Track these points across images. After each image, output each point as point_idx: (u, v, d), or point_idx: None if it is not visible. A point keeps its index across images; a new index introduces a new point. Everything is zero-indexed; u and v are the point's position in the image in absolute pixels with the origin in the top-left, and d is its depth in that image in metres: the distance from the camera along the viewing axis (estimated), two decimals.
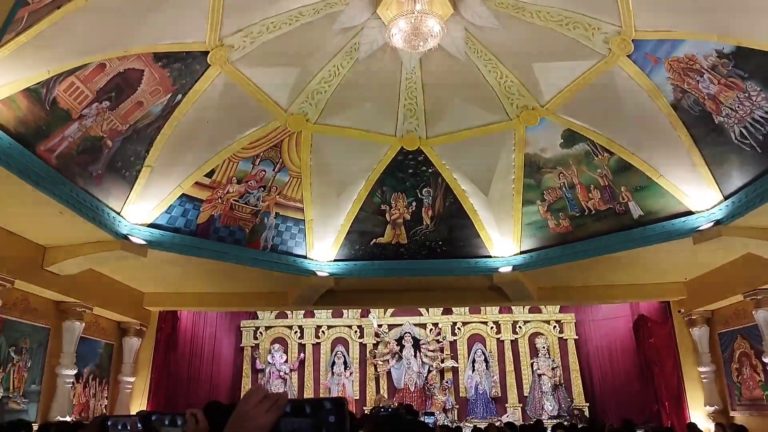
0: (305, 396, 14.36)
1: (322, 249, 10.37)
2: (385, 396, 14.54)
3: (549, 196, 9.51)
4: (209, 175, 9.07)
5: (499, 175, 9.58)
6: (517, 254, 10.10)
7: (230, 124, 8.70)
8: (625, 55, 7.26)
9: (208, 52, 7.51)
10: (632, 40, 7.01)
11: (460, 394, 14.72)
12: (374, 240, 10.42)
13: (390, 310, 15.34)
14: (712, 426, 10.11)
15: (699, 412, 10.94)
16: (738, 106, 6.69)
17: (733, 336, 10.35)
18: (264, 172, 9.55)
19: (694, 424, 9.56)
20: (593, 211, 9.23)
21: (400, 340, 15.15)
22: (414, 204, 10.23)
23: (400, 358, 15.02)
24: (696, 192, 8.09)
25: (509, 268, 10.12)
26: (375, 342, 15.30)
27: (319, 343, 15.38)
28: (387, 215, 10.29)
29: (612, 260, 9.45)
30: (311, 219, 10.12)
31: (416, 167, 9.80)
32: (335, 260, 10.47)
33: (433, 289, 11.29)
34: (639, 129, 8.08)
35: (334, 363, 15.08)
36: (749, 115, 6.64)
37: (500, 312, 15.24)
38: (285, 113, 8.95)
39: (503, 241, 10.14)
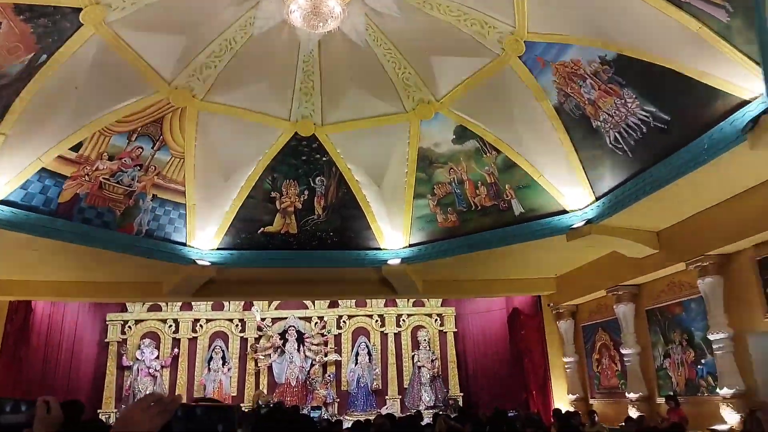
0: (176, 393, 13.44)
1: (204, 236, 9.73)
2: (265, 392, 14.06)
3: (439, 190, 9.71)
4: (75, 148, 8.11)
5: (393, 167, 9.61)
6: (406, 247, 10.20)
7: (103, 92, 7.83)
8: (517, 56, 7.57)
9: (80, 9, 6.68)
10: (524, 42, 7.33)
11: (342, 388, 14.67)
12: (262, 229, 9.98)
13: (275, 303, 14.88)
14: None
15: (563, 399, 11.79)
16: (614, 112, 7.23)
17: (595, 329, 11.28)
18: (141, 150, 8.74)
19: (558, 409, 10.26)
20: (479, 207, 9.57)
21: (283, 334, 14.77)
22: (306, 192, 9.94)
23: (283, 352, 14.64)
24: (571, 192, 8.66)
25: (398, 261, 10.19)
26: (257, 336, 14.76)
27: (196, 338, 14.51)
28: (277, 203, 9.90)
29: (493, 255, 9.85)
30: (193, 204, 9.44)
31: (310, 154, 9.52)
32: (218, 249, 9.88)
33: (321, 281, 11.07)
34: (525, 129, 8.48)
35: (211, 358, 14.31)
36: (624, 121, 7.20)
37: (386, 305, 15.41)
38: (168, 86, 8.24)
39: (393, 234, 10.19)
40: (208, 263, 9.73)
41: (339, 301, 15.13)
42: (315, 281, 11.01)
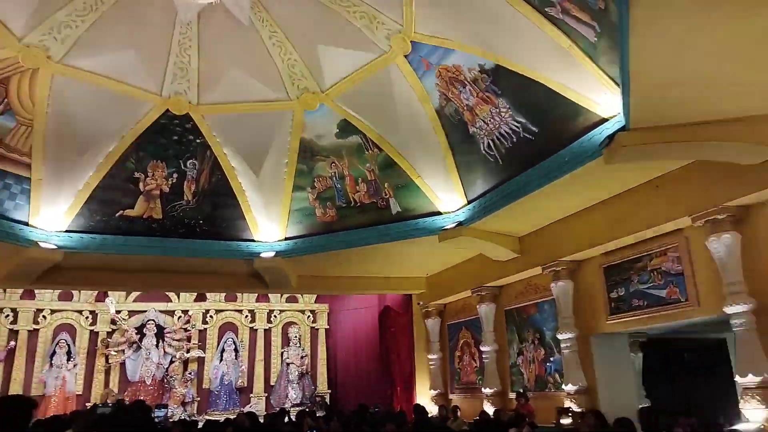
0: (10, 392, 11.87)
1: (51, 216, 8.67)
2: (115, 390, 12.93)
3: (319, 184, 9.55)
4: None
5: (273, 156, 9.28)
6: (281, 240, 9.90)
7: None
8: (403, 55, 7.64)
9: None
10: (411, 41, 7.42)
11: (204, 386, 13.94)
12: (121, 211, 9.12)
13: (134, 294, 13.74)
14: (435, 408, 11.28)
15: (425, 395, 12.17)
16: (489, 120, 7.56)
17: (460, 327, 11.79)
18: None
19: (420, 405, 10.53)
20: (358, 204, 9.56)
21: (141, 328, 13.70)
22: (175, 176, 9.26)
23: (139, 347, 13.58)
24: (446, 194, 8.95)
25: (272, 254, 9.86)
26: (110, 330, 13.54)
27: (37, 330, 12.96)
28: (141, 185, 9.10)
29: (369, 252, 9.89)
30: (40, 179, 8.38)
31: (183, 135, 8.88)
32: (67, 231, 8.85)
33: (187, 273, 10.39)
34: (406, 129, 8.61)
35: (54, 353, 12.86)
36: (497, 129, 7.56)
37: (257, 300, 14.93)
38: (19, 42, 7.24)
39: (269, 226, 9.84)
40: (54, 246, 8.68)
41: (207, 294, 14.37)
42: (180, 272, 10.31)
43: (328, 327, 15.48)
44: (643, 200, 7.17)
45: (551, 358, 9.07)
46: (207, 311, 14.50)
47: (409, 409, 11.44)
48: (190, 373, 13.76)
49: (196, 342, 14.16)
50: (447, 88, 7.79)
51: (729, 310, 6.02)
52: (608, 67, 5.81)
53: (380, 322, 14.06)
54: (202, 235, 9.60)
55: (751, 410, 5.67)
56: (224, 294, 14.52)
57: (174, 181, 9.23)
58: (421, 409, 9.04)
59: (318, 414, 9.75)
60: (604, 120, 6.30)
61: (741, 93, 4.96)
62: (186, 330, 14.09)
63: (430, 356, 12.21)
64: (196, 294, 14.28)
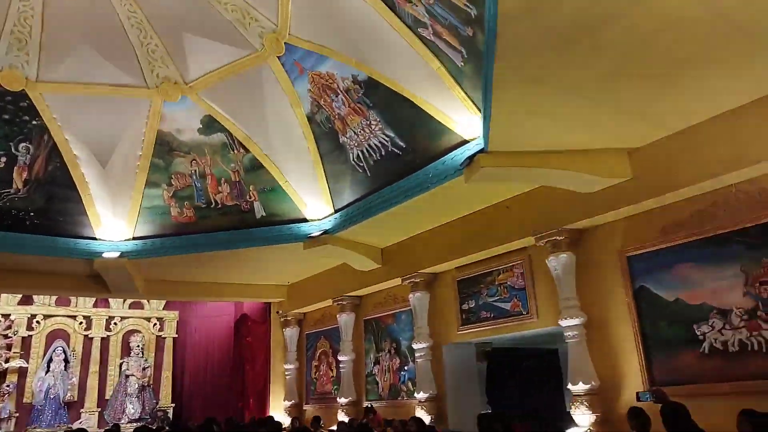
0: None
1: None
2: None
3: (177, 181, 8.92)
4: None
5: (124, 147, 8.47)
6: (128, 239, 9.06)
7: None
8: (276, 56, 7.44)
9: None
10: (285, 43, 7.24)
11: (25, 400, 12.26)
12: None
13: None
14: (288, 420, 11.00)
15: (279, 407, 11.85)
16: (360, 131, 7.62)
17: (318, 336, 11.69)
18: None
19: (271, 417, 10.22)
20: (220, 205, 9.08)
21: None
22: (3, 160, 8.06)
23: None
24: (313, 202, 8.85)
25: (116, 254, 8.96)
26: None
27: None
28: None
29: (229, 257, 9.44)
30: None
31: (16, 114, 7.77)
32: None
33: (11, 271, 9.07)
34: (276, 132, 8.37)
35: None
36: (367, 141, 7.64)
37: (95, 305, 13.49)
38: None
39: (115, 223, 8.96)
40: None
41: (34, 297, 12.69)
42: (4, 270, 8.97)
43: (176, 336, 14.45)
44: (495, 219, 7.67)
45: (405, 367, 9.32)
46: (33, 316, 12.79)
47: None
48: (8, 386, 12.01)
49: (18, 350, 12.40)
50: (319, 95, 7.72)
51: (563, 323, 6.62)
52: (472, 91, 6.14)
53: (236, 331, 13.46)
54: (33, 230, 8.45)
55: (580, 415, 6.25)
56: (55, 298, 12.93)
57: (2, 165, 8.02)
58: (273, 422, 8.76)
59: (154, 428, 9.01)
60: (466, 141, 6.65)
61: (582, 128, 5.50)
62: (6, 337, 12.30)
63: (286, 366, 11.94)
64: (19, 297, 12.53)
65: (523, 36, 3.97)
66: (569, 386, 6.49)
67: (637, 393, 5.64)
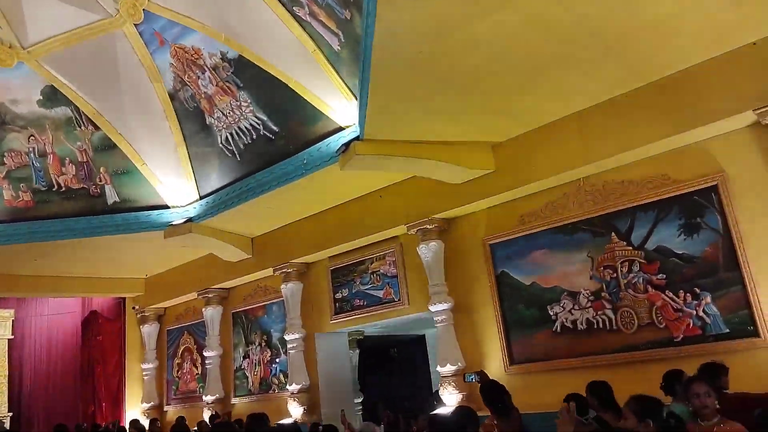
0: None
1: None
2: None
3: (11, 160, 7.78)
4: None
5: None
6: None
7: None
8: (133, 23, 6.72)
9: None
10: (143, 9, 6.55)
11: None
12: None
13: None
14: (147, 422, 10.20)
15: (136, 409, 10.95)
16: (229, 112, 7.17)
17: (181, 332, 10.95)
18: None
19: (136, 420, 9.42)
20: (63, 188, 8.06)
21: None
22: None
23: None
24: (175, 187, 8.20)
25: None
26: None
27: None
28: None
29: (75, 248, 8.45)
30: None
31: None
32: None
33: None
34: (132, 109, 7.61)
35: None
36: (237, 123, 7.22)
37: None
38: None
39: None
40: None
41: None
42: None
43: (12, 337, 12.70)
44: (368, 208, 7.70)
45: (277, 360, 9.06)
46: None
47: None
48: None
49: None
50: (183, 71, 7.13)
51: (433, 308, 6.82)
52: (348, 78, 6.05)
53: (83, 330, 12.17)
54: None
55: (448, 395, 6.50)
56: None
57: None
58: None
59: None
60: (341, 128, 6.56)
61: (452, 120, 5.67)
62: None
63: (144, 366, 11.03)
64: None
65: (401, 22, 3.95)
66: (438, 368, 6.71)
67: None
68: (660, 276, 5.49)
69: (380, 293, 7.87)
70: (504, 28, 4.23)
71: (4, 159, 7.73)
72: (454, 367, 6.57)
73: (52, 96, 7.44)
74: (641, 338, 5.53)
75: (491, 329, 6.62)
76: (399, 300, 7.63)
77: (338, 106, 6.42)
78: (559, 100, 5.60)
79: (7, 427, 11.77)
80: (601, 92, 5.51)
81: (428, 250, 6.99)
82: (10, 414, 12.18)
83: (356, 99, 5.99)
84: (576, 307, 6.01)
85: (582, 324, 5.94)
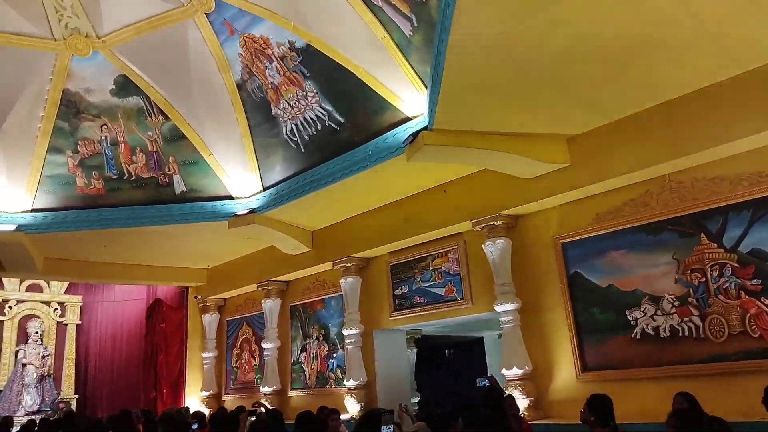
0: None
1: None
2: None
3: (84, 148, 8.00)
4: None
5: (24, 106, 7.44)
6: (26, 211, 8.05)
7: None
8: (204, 13, 6.74)
9: None
10: None
11: None
12: None
13: None
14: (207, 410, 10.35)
15: (195, 397, 11.15)
16: (295, 103, 7.11)
17: (240, 323, 11.07)
18: None
19: (186, 408, 9.58)
20: (133, 177, 8.25)
21: None
22: None
23: None
24: (240, 178, 8.24)
25: (11, 228, 7.93)
26: None
27: None
28: None
29: (142, 235, 8.63)
30: None
31: None
32: None
33: None
34: (201, 99, 7.68)
35: None
36: (302, 114, 7.15)
37: None
38: None
39: (10, 192, 7.97)
40: None
41: None
42: None
43: (80, 322, 13.25)
44: (431, 203, 7.48)
45: (334, 354, 8.98)
46: None
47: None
48: None
49: None
50: (251, 61, 7.12)
51: (499, 308, 6.52)
52: (418, 65, 5.84)
53: (148, 318, 12.51)
54: None
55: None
56: None
57: None
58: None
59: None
60: (409, 119, 6.36)
61: (529, 109, 5.36)
62: None
63: (204, 355, 11.23)
64: None
65: (482, 1, 3.72)
66: (503, 371, 6.41)
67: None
68: (755, 281, 5.03)
69: (442, 291, 7.63)
70: (593, 7, 3.91)
71: (78, 147, 7.97)
72: (520, 371, 6.26)
73: (124, 85, 7.61)
74: (732, 348, 5.08)
75: (561, 332, 6.27)
76: (462, 299, 7.36)
77: (406, 95, 6.23)
78: (645, 88, 5.20)
79: (73, 409, 12.28)
80: (693, 81, 5.08)
81: (495, 248, 6.70)
82: (77, 396, 12.71)
83: (426, 88, 5.78)
84: (659, 312, 5.58)
85: (665, 331, 5.52)
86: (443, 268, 7.65)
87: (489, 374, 5.97)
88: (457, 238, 7.52)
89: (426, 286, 7.83)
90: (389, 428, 3.94)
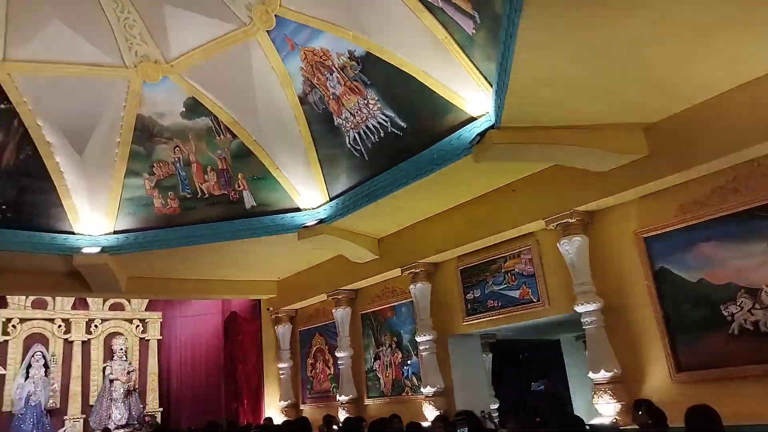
0: None
1: None
2: None
3: (159, 170, 8.34)
4: None
5: (102, 133, 7.83)
6: (109, 234, 8.47)
7: None
8: (265, 30, 6.87)
9: None
10: (275, 15, 6.68)
11: (4, 408, 11.61)
12: None
13: None
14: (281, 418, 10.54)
15: (274, 407, 11.36)
16: (357, 112, 7.14)
17: (313, 333, 11.20)
18: None
19: (270, 418, 9.78)
20: (206, 195, 8.51)
21: None
22: None
23: None
24: (306, 189, 8.34)
25: (96, 250, 8.37)
26: None
27: None
28: None
29: (216, 251, 8.89)
30: None
31: None
32: None
33: None
34: (265, 115, 7.83)
35: None
36: (364, 122, 7.16)
37: (73, 307, 12.89)
38: None
39: (94, 216, 8.36)
40: None
41: (8, 300, 12.02)
42: None
43: (161, 338, 13.86)
44: (500, 204, 7.29)
45: (408, 362, 8.90)
46: (9, 320, 12.14)
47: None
48: None
49: None
50: (312, 74, 7.21)
51: (579, 309, 6.25)
52: (482, 63, 5.70)
53: (225, 330, 12.91)
54: (6, 224, 7.79)
55: (604, 405, 5.89)
56: (30, 300, 12.28)
57: None
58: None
59: None
60: (473, 118, 6.22)
61: (601, 99, 5.12)
62: None
63: (280, 365, 11.44)
64: None
65: None
66: (590, 374, 6.12)
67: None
68: None
69: (516, 293, 7.41)
70: None
71: (153, 169, 8.33)
72: (609, 374, 5.95)
73: (193, 107, 7.88)
74: None
75: (650, 332, 5.91)
76: (538, 300, 7.12)
77: (469, 95, 6.10)
78: (727, 68, 4.85)
79: (158, 421, 12.82)
80: None
81: (571, 246, 6.44)
82: (161, 409, 13.27)
83: (491, 85, 5.65)
84: (757, 305, 5.16)
85: (765, 326, 5.10)
86: (516, 269, 7.44)
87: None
88: (529, 238, 7.30)
89: (499, 290, 7.63)
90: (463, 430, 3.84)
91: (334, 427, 7.56)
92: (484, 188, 7.30)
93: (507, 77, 4.54)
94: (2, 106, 7.22)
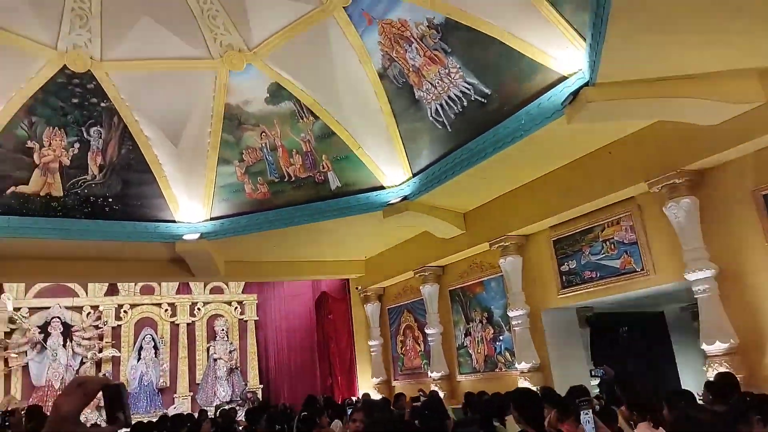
0: None
1: None
2: (17, 398, 11.38)
3: (248, 156, 8.58)
4: None
5: (194, 124, 8.18)
6: (206, 220, 8.87)
7: None
8: (342, 6, 6.81)
9: None
10: None
11: None
12: (13, 188, 7.77)
13: (34, 289, 12.19)
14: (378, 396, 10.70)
15: (367, 383, 11.56)
16: (438, 82, 6.94)
17: (401, 310, 11.24)
18: None
19: (367, 394, 9.94)
20: (293, 178, 8.68)
21: (45, 327, 12.19)
22: (77, 146, 7.99)
23: (44, 348, 12.09)
24: (389, 167, 8.28)
25: (196, 236, 8.80)
26: (9, 330, 11.92)
27: None
28: (35, 156, 7.78)
29: (305, 233, 9.08)
30: None
31: (84, 97, 7.63)
32: None
33: (95, 259, 9.11)
34: (345, 94, 7.82)
35: None
36: (446, 92, 6.96)
37: (178, 292, 13.71)
38: None
39: (191, 204, 8.78)
40: None
41: (119, 287, 13.01)
42: (87, 258, 9.02)
43: (257, 318, 14.49)
44: (594, 168, 6.88)
45: (500, 337, 8.70)
46: (120, 306, 13.13)
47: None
48: (104, 375, 12.39)
49: (110, 340, 12.78)
50: (391, 47, 7.08)
51: (690, 276, 5.78)
52: (572, 15, 5.33)
53: (317, 309, 13.28)
54: (112, 216, 8.37)
55: None
56: (139, 287, 13.21)
57: (76, 152, 7.95)
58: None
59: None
60: (564, 77, 5.85)
61: (709, 44, 4.62)
62: (97, 327, 12.69)
63: (370, 343, 11.61)
64: (106, 288, 12.90)
65: None
66: (703, 346, 5.66)
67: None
68: None
69: (617, 263, 6.98)
70: None
71: (243, 156, 8.59)
72: (725, 345, 5.47)
73: (277, 92, 8.01)
74: None
75: None
76: (642, 270, 6.67)
77: (559, 52, 5.74)
78: None
79: (259, 397, 13.44)
80: None
81: (679, 209, 5.95)
82: (261, 386, 13.92)
83: (584, 39, 5.26)
84: None
85: None
86: (616, 237, 7.01)
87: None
88: (630, 203, 6.84)
89: (597, 260, 7.24)
90: (587, 414, 3.58)
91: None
92: (578, 152, 6.90)
93: (604, 25, 4.19)
94: (103, 104, 7.70)
